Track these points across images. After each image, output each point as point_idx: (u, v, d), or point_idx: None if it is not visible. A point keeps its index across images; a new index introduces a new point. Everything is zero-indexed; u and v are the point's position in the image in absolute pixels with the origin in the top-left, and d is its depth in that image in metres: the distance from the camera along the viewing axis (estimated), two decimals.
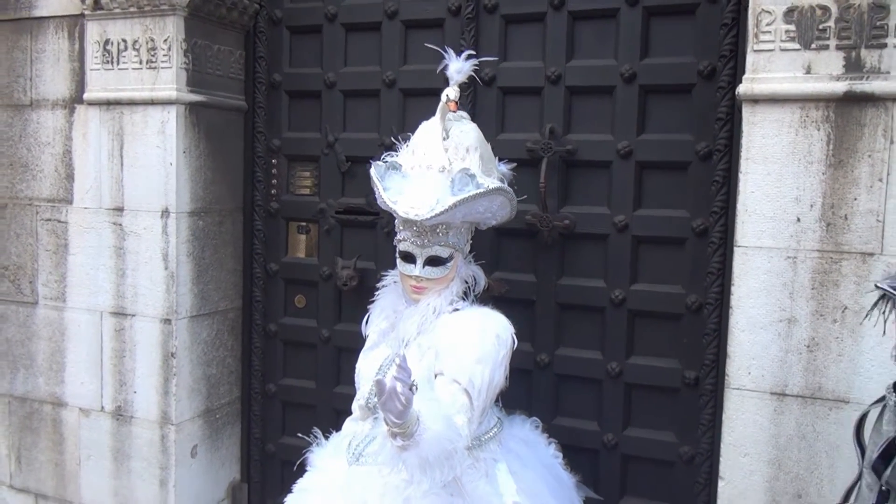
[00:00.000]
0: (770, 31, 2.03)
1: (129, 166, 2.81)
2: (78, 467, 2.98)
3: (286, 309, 3.09)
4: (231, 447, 3.10)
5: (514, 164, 2.41)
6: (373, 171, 2.15)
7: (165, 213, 2.75)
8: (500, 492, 2.10)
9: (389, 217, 2.35)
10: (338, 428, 2.39)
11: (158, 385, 2.81)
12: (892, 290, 1.41)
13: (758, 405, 2.07)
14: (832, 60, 1.97)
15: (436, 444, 1.81)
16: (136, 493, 2.88)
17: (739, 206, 2.09)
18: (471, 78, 2.54)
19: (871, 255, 1.95)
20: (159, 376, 2.81)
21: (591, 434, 2.63)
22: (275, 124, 3.04)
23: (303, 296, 3.06)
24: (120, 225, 2.84)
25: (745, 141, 2.07)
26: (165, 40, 2.71)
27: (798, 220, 2.02)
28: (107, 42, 2.79)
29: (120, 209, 2.83)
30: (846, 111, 1.97)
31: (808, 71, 1.99)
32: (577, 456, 2.48)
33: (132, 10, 2.72)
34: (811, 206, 2.01)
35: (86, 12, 2.80)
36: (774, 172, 2.04)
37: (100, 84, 2.83)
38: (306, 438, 2.37)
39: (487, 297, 2.33)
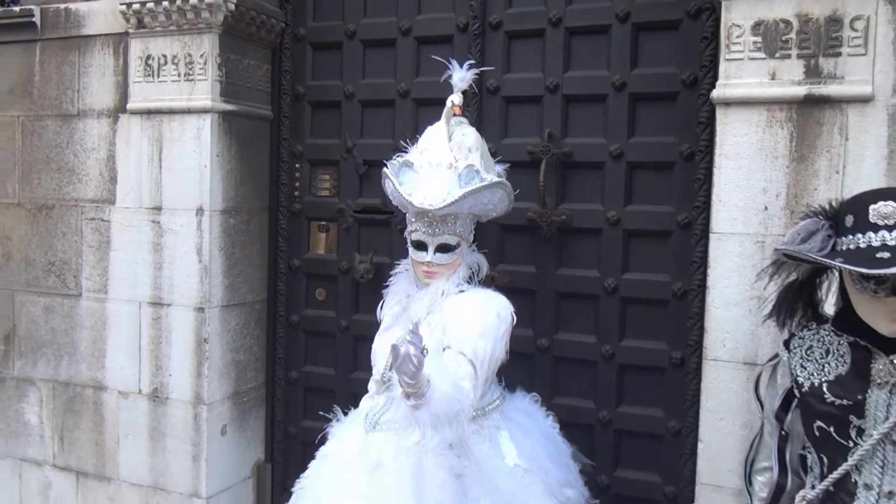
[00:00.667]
0: (740, 43, 2.29)
1: (167, 169, 3.10)
2: (117, 446, 3.24)
3: (307, 301, 3.35)
4: (256, 429, 3.36)
5: (512, 166, 2.67)
6: (387, 170, 2.41)
7: (200, 211, 3.03)
8: (502, 454, 2.34)
9: (402, 215, 2.62)
10: (355, 407, 2.63)
11: (192, 368, 3.08)
12: (785, 251, 1.65)
13: (732, 374, 2.32)
14: (794, 68, 2.24)
15: (444, 403, 2.04)
16: (170, 468, 3.13)
17: (714, 198, 2.34)
18: (478, 88, 2.84)
19: None
20: (193, 360, 3.08)
21: (587, 411, 2.87)
22: (298, 131, 3.32)
23: (323, 289, 3.33)
24: (158, 223, 3.12)
25: (718, 139, 2.34)
26: (202, 55, 3.00)
27: (766, 208, 2.27)
28: (148, 57, 3.08)
29: (158, 208, 3.11)
30: (807, 112, 2.23)
31: (773, 77, 2.26)
32: (575, 431, 2.70)
33: (172, 28, 3.02)
34: (777, 195, 2.26)
35: (130, 31, 3.10)
36: (745, 167, 2.30)
37: (141, 95, 3.13)
38: (327, 416, 2.61)
39: (493, 287, 2.58)
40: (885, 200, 1.54)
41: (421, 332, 2.17)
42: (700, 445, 2.41)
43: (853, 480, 1.61)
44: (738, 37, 2.29)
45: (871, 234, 1.53)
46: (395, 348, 1.93)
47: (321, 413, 2.68)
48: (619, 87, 2.78)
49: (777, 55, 2.25)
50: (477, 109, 2.97)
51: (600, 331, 2.85)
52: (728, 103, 2.32)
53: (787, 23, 2.23)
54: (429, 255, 2.38)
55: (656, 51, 2.75)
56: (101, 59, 3.21)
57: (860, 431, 1.59)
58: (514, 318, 2.35)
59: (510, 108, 2.98)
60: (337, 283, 3.29)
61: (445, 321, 2.30)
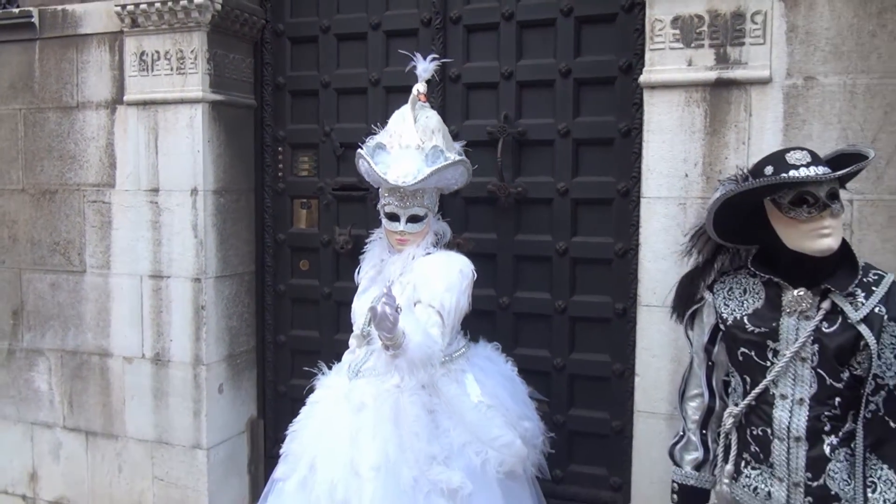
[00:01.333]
0: (662, 35, 2.69)
1: (163, 154, 3.42)
2: (123, 406, 3.58)
3: (293, 271, 3.71)
4: (249, 388, 3.71)
5: (473, 145, 3.05)
6: (363, 151, 2.76)
7: (194, 191, 3.37)
8: (467, 392, 2.72)
9: (376, 191, 2.98)
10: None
11: (191, 333, 3.42)
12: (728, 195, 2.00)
13: (661, 317, 2.71)
14: (707, 56, 2.64)
15: (418, 350, 2.41)
16: (173, 424, 3.48)
17: (644, 168, 2.74)
18: (441, 76, 3.21)
19: None
20: (192, 326, 3.42)
21: (543, 359, 3.26)
22: (280, 118, 3.66)
23: (306, 260, 3.68)
24: (156, 203, 3.44)
25: (646, 118, 2.73)
26: (192, 51, 3.33)
27: (686, 175, 2.68)
28: (142, 53, 3.40)
29: (156, 190, 3.44)
30: (718, 93, 2.63)
31: (690, 64, 2.66)
32: (533, 378, 3.06)
33: (164, 27, 3.34)
34: (695, 164, 2.67)
35: (124, 30, 3.41)
36: (668, 141, 2.69)
37: (137, 88, 3.44)
38: (314, 373, 2.96)
39: (456, 251, 2.95)
40: (793, 151, 1.91)
41: (394, 290, 2.55)
42: (637, 379, 2.82)
43: (771, 393, 1.94)
44: (660, 30, 2.69)
45: (793, 171, 1.86)
46: (373, 309, 2.29)
47: (307, 369, 3.03)
48: (565, 74, 3.16)
49: (692, 45, 2.65)
50: (441, 95, 3.33)
51: (553, 288, 3.24)
52: (653, 87, 2.71)
53: (700, 17, 2.63)
54: (401, 226, 2.74)
55: (596, 41, 3.12)
56: (97, 55, 3.52)
57: (775, 353, 1.94)
58: (474, 275, 2.73)
59: (470, 93, 3.34)
60: (319, 254, 3.64)
61: (415, 280, 2.67)
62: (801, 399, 1.91)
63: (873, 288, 1.90)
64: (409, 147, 2.73)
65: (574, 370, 3.24)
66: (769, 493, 1.96)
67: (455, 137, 3.19)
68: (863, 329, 1.85)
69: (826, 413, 1.90)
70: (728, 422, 2.06)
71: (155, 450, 3.54)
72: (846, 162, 1.93)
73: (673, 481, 2.20)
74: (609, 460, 3.16)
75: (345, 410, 2.68)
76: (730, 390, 2.13)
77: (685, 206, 2.68)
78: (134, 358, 3.54)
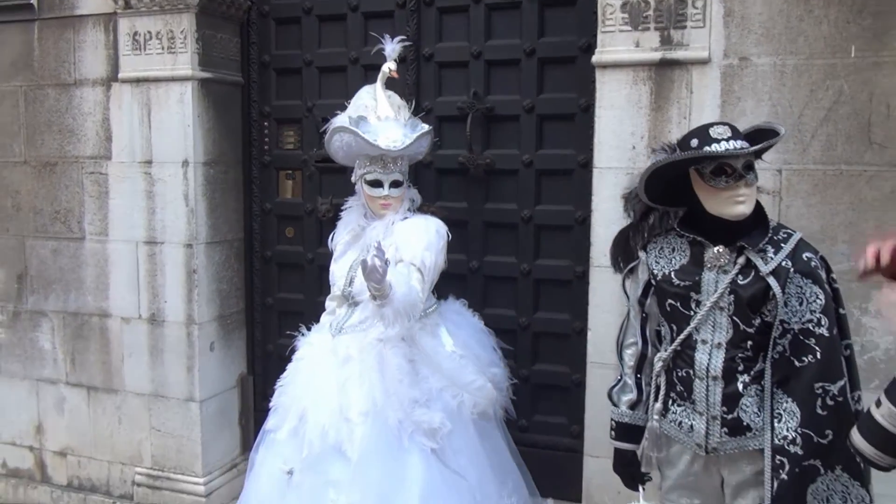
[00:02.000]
0: (612, 19, 2.93)
1: (156, 129, 3.66)
2: (122, 363, 3.85)
3: (279, 238, 3.96)
4: (239, 347, 3.99)
5: (445, 119, 3.33)
6: (347, 125, 2.95)
7: (185, 163, 3.61)
8: (442, 343, 3.01)
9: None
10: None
11: (184, 295, 3.68)
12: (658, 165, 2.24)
13: (610, 276, 2.95)
14: (652, 38, 2.88)
15: (403, 299, 2.70)
16: (169, 378, 3.76)
17: (596, 140, 3.00)
18: (415, 55, 3.45)
19: None
20: (184, 288, 3.68)
21: (509, 318, 3.53)
22: (265, 95, 3.89)
23: (292, 228, 3.94)
24: (150, 174, 3.69)
25: (598, 95, 2.98)
26: (182, 31, 3.55)
27: (633, 147, 2.94)
28: (135, 33, 3.63)
29: (149, 162, 3.68)
30: (662, 72, 2.89)
31: (637, 45, 2.91)
32: (501, 336, 3.33)
33: (155, 8, 3.56)
34: (641, 137, 2.93)
35: (118, 11, 3.63)
36: (617, 116, 2.95)
37: (130, 66, 3.67)
38: (295, 334, 3.23)
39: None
40: (716, 126, 2.15)
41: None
42: (589, 334, 3.10)
43: (694, 339, 2.20)
44: (610, 14, 2.93)
45: (715, 145, 2.10)
46: (363, 262, 2.56)
47: (290, 333, 3.30)
48: (530, 53, 3.40)
49: (640, 28, 2.90)
50: (415, 73, 3.57)
51: (519, 253, 3.51)
52: (605, 66, 2.96)
53: (647, 2, 2.87)
54: (385, 190, 3.00)
55: (558, 23, 3.36)
56: (93, 35, 3.74)
57: (698, 303, 2.19)
58: (449, 235, 3.01)
59: (443, 71, 3.58)
60: (303, 222, 3.90)
61: (397, 241, 2.93)
62: (719, 343, 2.18)
63: (782, 245, 2.16)
64: (388, 118, 3.01)
65: (538, 328, 3.52)
66: (692, 426, 2.24)
67: (428, 113, 3.47)
68: (771, 280, 2.11)
69: (740, 355, 2.16)
70: (658, 365, 2.32)
71: (152, 403, 3.82)
72: (762, 136, 2.19)
73: (611, 419, 2.46)
74: (569, 410, 3.46)
75: (331, 364, 2.95)
76: (661, 338, 2.41)
77: (632, 176, 2.90)
78: (131, 318, 3.81)
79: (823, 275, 2.14)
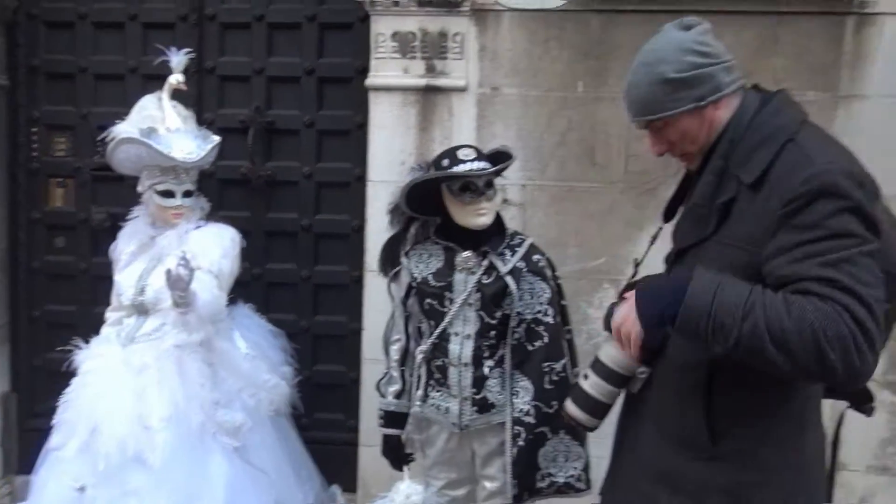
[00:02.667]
0: (384, 46, 3.24)
1: None
2: None
3: (48, 248, 3.81)
4: (2, 363, 3.78)
5: (227, 132, 3.40)
6: (134, 136, 2.94)
7: None
8: (237, 346, 3.11)
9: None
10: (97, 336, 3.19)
11: None
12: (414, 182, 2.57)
13: (384, 280, 3.25)
14: (419, 66, 3.23)
15: (207, 306, 2.81)
16: None
17: (370, 155, 3.29)
18: (198, 67, 3.52)
19: None
20: None
21: (291, 322, 3.66)
22: (35, 99, 3.73)
23: (63, 237, 3.81)
24: None
25: (371, 115, 3.27)
26: None
27: (403, 163, 3.24)
28: None
29: None
30: (427, 97, 3.23)
31: (406, 72, 3.23)
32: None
33: None
34: (410, 154, 3.25)
35: None
36: (389, 134, 3.26)
37: None
38: (67, 349, 3.12)
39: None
40: (463, 148, 2.50)
41: (172, 262, 2.85)
42: (364, 333, 3.36)
43: (448, 332, 2.52)
44: (382, 41, 3.23)
45: (461, 165, 2.45)
46: (168, 272, 2.64)
47: (62, 348, 3.17)
48: (310, 72, 3.61)
49: (408, 56, 3.23)
50: (197, 85, 3.64)
51: (299, 260, 3.69)
52: (377, 89, 3.26)
53: (414, 34, 3.21)
54: (178, 201, 3.04)
55: (337, 45, 3.59)
56: None
57: (451, 301, 2.51)
58: (243, 242, 3.14)
59: (225, 84, 3.68)
60: (76, 231, 3.79)
61: (193, 250, 2.95)
62: (469, 334, 2.52)
63: (516, 249, 2.55)
64: (178, 130, 3.05)
65: (317, 330, 3.72)
66: (448, 408, 2.55)
67: (210, 124, 3.55)
68: (508, 279, 2.49)
69: (485, 343, 2.51)
70: (419, 357, 2.62)
71: None
72: (502, 157, 2.55)
73: (379, 409, 2.72)
74: (347, 406, 3.68)
75: (124, 374, 2.91)
76: (422, 333, 2.71)
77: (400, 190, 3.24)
78: None
79: (549, 272, 2.56)
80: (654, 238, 1.80)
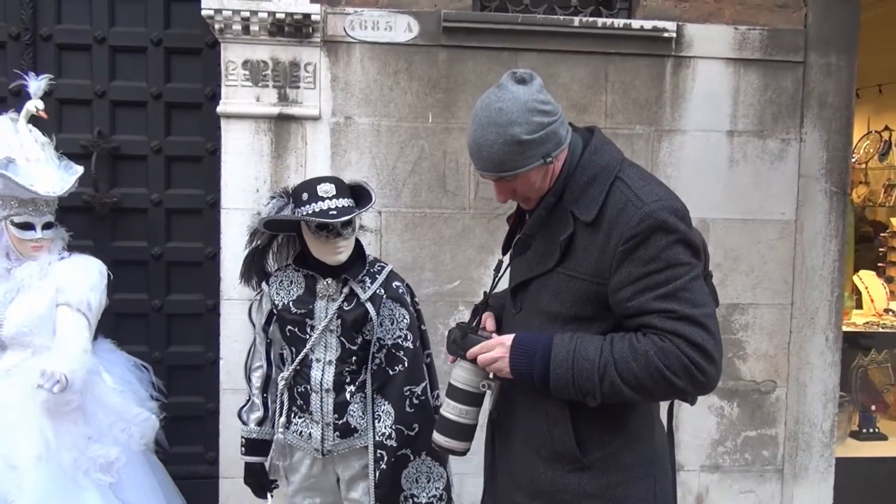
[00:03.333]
0: (235, 74, 3.24)
1: None
2: None
3: None
4: None
5: (68, 157, 3.26)
6: None
7: None
8: (104, 380, 2.96)
9: None
10: None
11: None
12: (269, 218, 2.60)
13: (241, 309, 3.24)
14: (271, 94, 3.25)
15: (81, 381, 2.71)
16: None
17: (223, 183, 3.27)
18: (25, 90, 3.34)
19: None
20: None
21: (143, 354, 3.48)
22: None
23: None
24: None
25: (223, 142, 3.26)
26: None
27: (257, 190, 3.26)
28: None
29: None
30: (281, 125, 3.26)
31: (258, 100, 3.25)
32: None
33: None
34: (265, 182, 3.27)
35: None
36: (242, 161, 3.25)
37: None
38: None
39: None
40: (323, 183, 2.54)
41: (32, 296, 2.80)
42: (222, 362, 3.33)
43: (310, 358, 2.55)
44: (233, 69, 3.23)
45: (321, 202, 2.47)
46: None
47: None
48: (157, 97, 3.53)
49: (260, 84, 3.24)
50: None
51: (150, 289, 3.59)
52: (229, 116, 3.25)
53: (265, 63, 3.24)
54: (38, 233, 2.90)
55: (185, 70, 3.55)
56: None
57: (312, 328, 2.54)
58: (111, 275, 3.03)
59: (63, 108, 3.52)
60: None
61: (59, 283, 2.86)
62: (330, 360, 2.57)
63: (377, 276, 2.64)
64: (38, 160, 2.91)
65: (172, 361, 3.63)
66: (310, 434, 2.59)
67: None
68: (368, 305, 2.56)
69: (347, 369, 2.58)
70: (280, 384, 2.64)
71: None
72: (364, 192, 2.61)
73: (241, 436, 2.72)
74: (205, 439, 3.62)
75: None
76: (284, 360, 2.73)
77: (258, 216, 3.25)
78: None
79: (409, 299, 2.66)
80: (498, 269, 1.96)
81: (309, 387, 2.58)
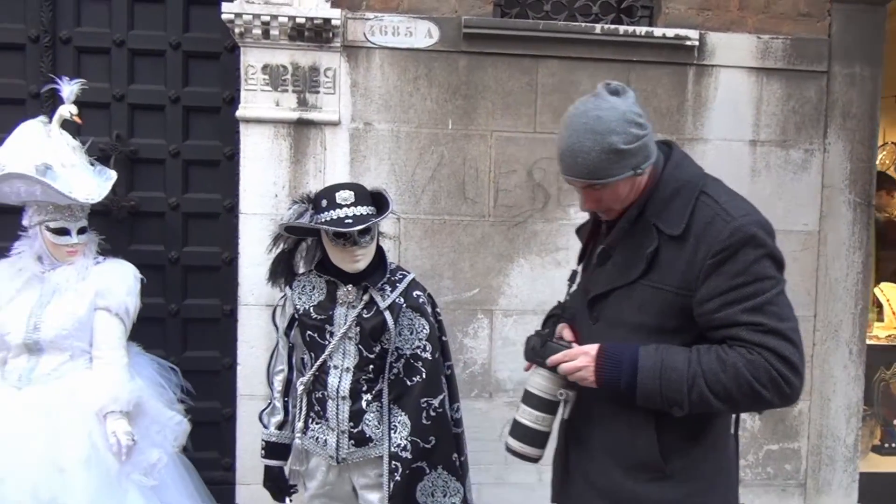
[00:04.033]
0: (254, 79, 3.22)
1: None
2: None
3: None
4: None
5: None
6: (29, 174, 2.74)
7: None
8: (133, 378, 2.96)
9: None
10: None
11: None
12: (288, 224, 2.58)
13: (258, 314, 3.25)
14: (291, 99, 3.24)
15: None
16: None
17: (241, 188, 3.25)
18: (51, 93, 3.34)
19: None
20: None
21: (162, 356, 3.58)
22: None
23: None
24: None
25: (242, 146, 3.24)
26: None
27: (276, 195, 3.24)
28: None
29: None
30: (300, 130, 3.25)
31: (278, 104, 3.23)
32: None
33: None
34: (283, 187, 3.25)
35: None
36: (261, 167, 3.24)
37: None
38: None
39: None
40: (342, 190, 2.52)
41: (70, 299, 2.82)
42: (239, 368, 3.31)
43: (328, 364, 2.53)
44: (252, 74, 3.21)
45: (339, 210, 2.47)
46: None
47: None
48: (175, 100, 3.52)
49: (279, 89, 3.23)
50: (50, 111, 3.45)
51: (167, 293, 3.58)
52: (248, 121, 3.23)
53: (285, 67, 3.22)
54: (73, 238, 2.90)
55: (203, 73, 3.54)
56: None
57: (331, 334, 2.52)
58: (144, 280, 3.05)
59: (82, 111, 3.48)
60: None
61: (98, 286, 2.88)
62: (348, 368, 2.54)
63: (397, 284, 2.61)
64: (73, 165, 2.91)
65: (188, 366, 3.56)
66: (325, 440, 2.57)
67: None
68: (386, 314, 2.54)
69: (364, 377, 2.55)
70: (299, 389, 2.62)
71: None
72: (383, 199, 2.59)
73: (262, 440, 2.70)
74: (221, 444, 3.60)
75: (25, 418, 2.72)
76: (305, 365, 2.71)
77: (276, 221, 3.22)
78: None
79: (429, 309, 2.63)
80: (572, 279, 2.00)
81: (326, 393, 2.56)
